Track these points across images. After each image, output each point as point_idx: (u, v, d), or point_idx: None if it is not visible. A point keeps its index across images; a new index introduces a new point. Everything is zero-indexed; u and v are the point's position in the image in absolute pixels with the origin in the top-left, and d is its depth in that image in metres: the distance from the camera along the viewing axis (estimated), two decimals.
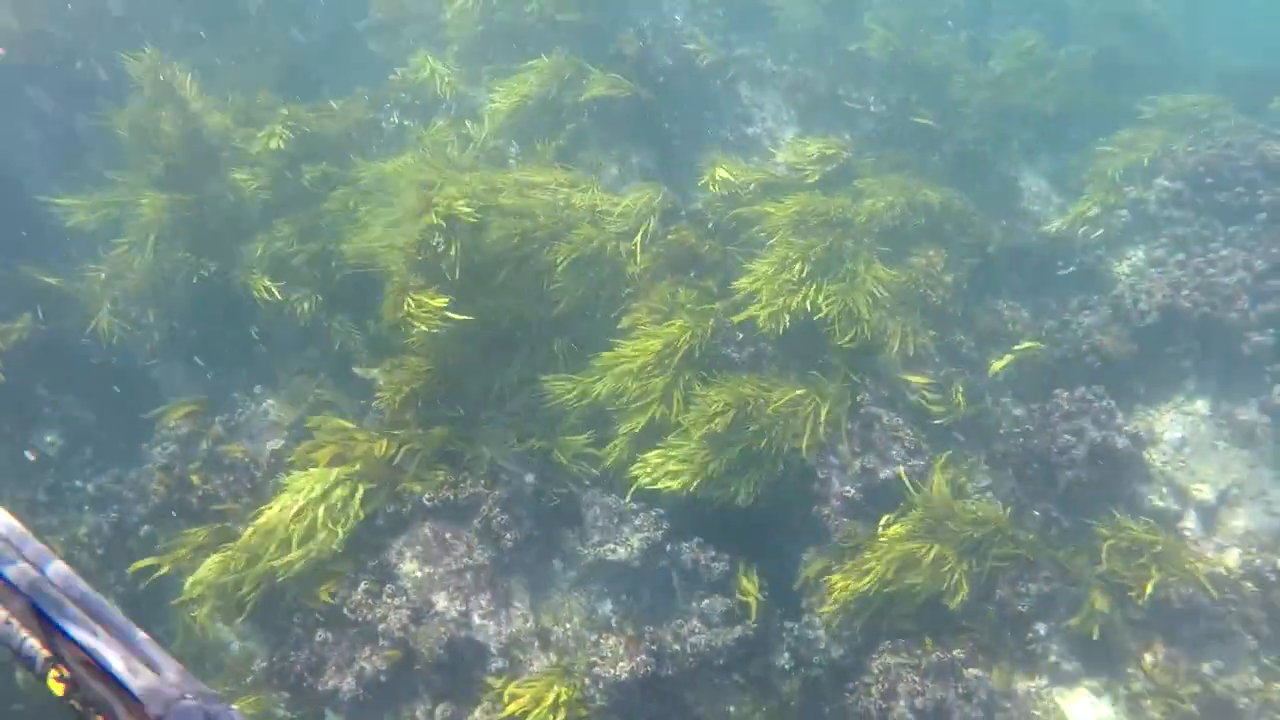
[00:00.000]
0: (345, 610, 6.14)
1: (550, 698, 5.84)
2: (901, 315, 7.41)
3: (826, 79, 9.81)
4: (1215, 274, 7.66)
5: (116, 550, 6.70)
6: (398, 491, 6.55)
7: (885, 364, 7.27)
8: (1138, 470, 7.03)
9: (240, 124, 8.65)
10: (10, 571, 1.30)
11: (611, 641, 6.32)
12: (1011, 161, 9.54)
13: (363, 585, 6.20)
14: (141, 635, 1.30)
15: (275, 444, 7.06)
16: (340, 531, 6.22)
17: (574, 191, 7.63)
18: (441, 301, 6.58)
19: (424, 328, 6.57)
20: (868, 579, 6.39)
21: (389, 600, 6.14)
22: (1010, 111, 9.87)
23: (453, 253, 6.64)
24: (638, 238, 7.40)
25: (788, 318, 7.07)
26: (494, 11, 9.83)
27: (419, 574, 6.36)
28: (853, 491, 6.67)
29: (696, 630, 6.61)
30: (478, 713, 5.97)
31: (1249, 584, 6.51)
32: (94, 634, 1.26)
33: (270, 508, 6.32)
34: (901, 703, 5.94)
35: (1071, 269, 8.49)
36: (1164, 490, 7.06)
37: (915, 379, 7.18)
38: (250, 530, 6.26)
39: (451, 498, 6.51)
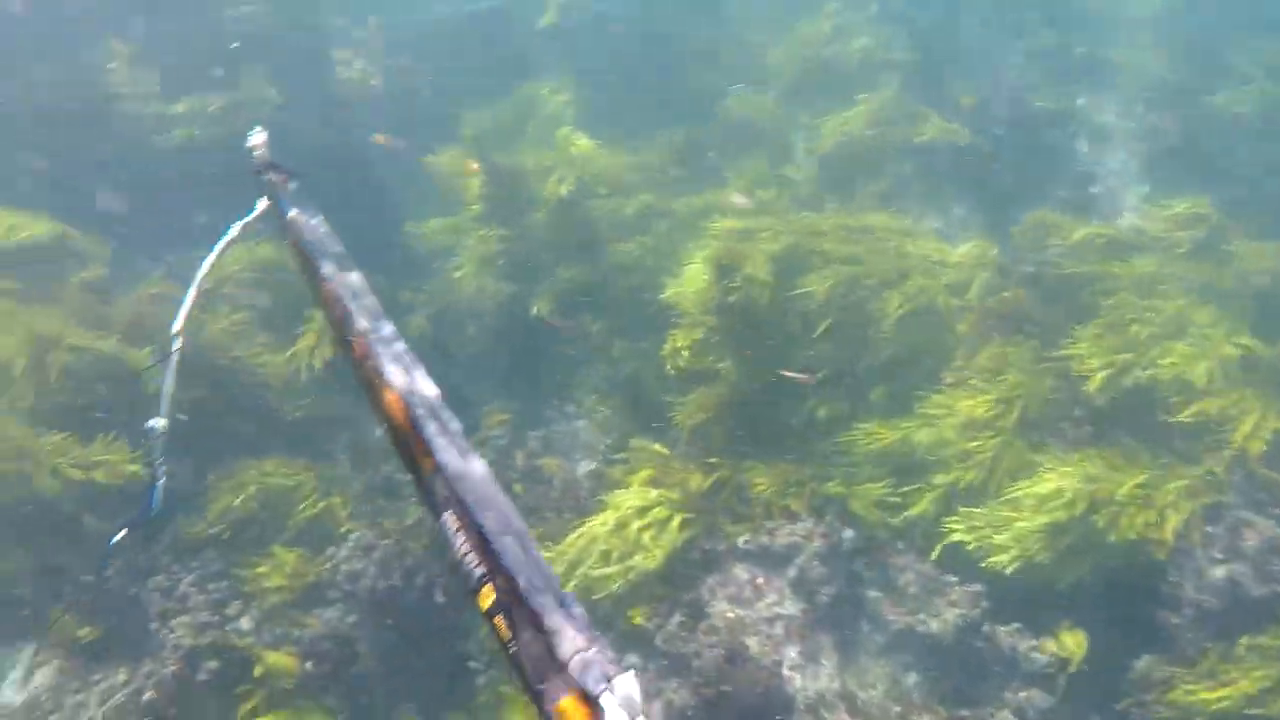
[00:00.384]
0: (658, 640, 6.14)
1: None
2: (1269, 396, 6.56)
3: (1180, 132, 8.96)
4: None
5: (439, 545, 7.07)
6: (712, 527, 6.50)
7: (1243, 455, 6.46)
8: None
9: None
10: (488, 519, 1.50)
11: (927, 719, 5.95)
12: None
13: (676, 618, 6.18)
14: (567, 593, 1.40)
15: (589, 465, 7.23)
16: (659, 554, 6.22)
17: (906, 239, 7.34)
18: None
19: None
20: (1223, 691, 5.67)
21: (703, 637, 6.08)
22: None
23: (760, 299, 6.64)
24: (972, 292, 6.99)
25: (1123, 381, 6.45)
26: (821, 46, 9.74)
27: (730, 615, 6.26)
28: (1214, 603, 5.93)
29: None
30: None
31: None
32: (519, 571, 1.41)
33: (594, 520, 6.45)
34: None
35: None
36: None
37: None
38: (575, 536, 6.39)
39: (768, 543, 6.38)
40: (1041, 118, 8.78)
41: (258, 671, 6.21)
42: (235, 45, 9.45)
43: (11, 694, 6.33)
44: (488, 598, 1.42)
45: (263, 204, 2.91)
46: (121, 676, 6.11)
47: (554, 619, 1.31)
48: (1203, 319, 6.90)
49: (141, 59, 9.76)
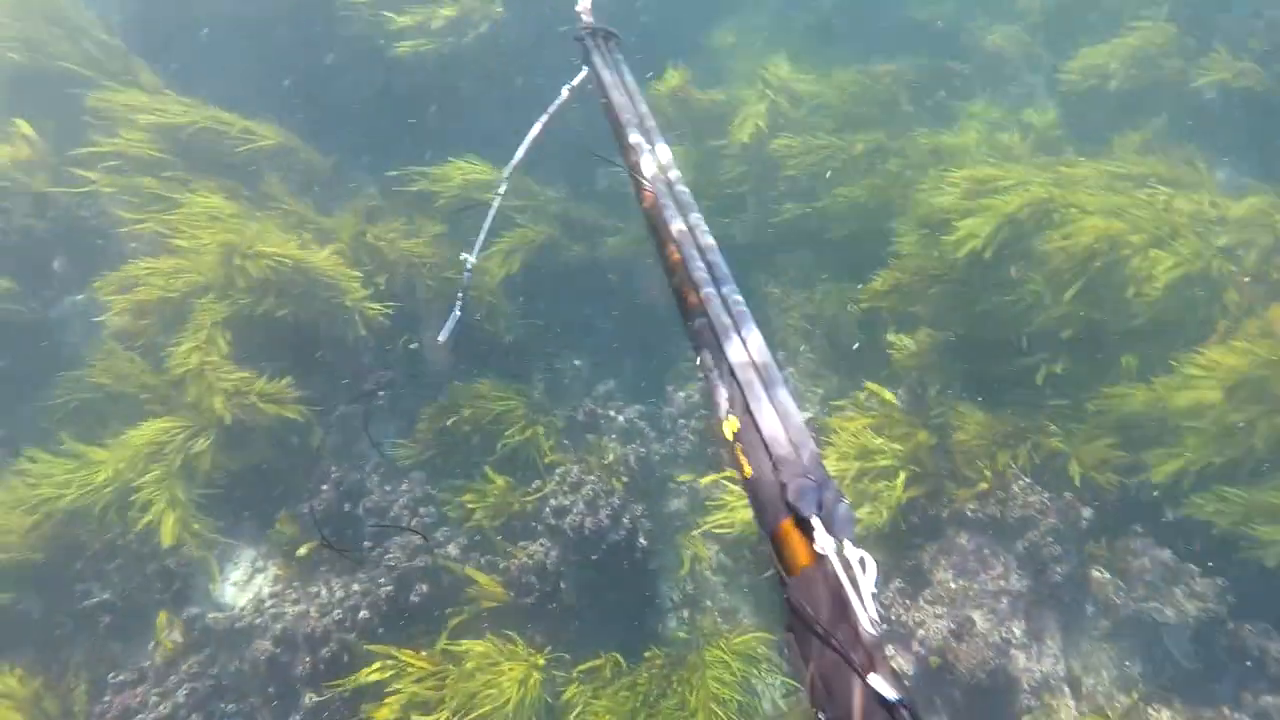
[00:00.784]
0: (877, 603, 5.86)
1: None
2: None
3: None
4: None
5: (637, 482, 6.90)
6: (936, 491, 6.13)
7: None
8: None
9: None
10: (733, 352, 1.64)
11: (1165, 715, 5.54)
12: None
13: (896, 584, 5.88)
14: (799, 420, 1.45)
15: (805, 415, 6.89)
16: (885, 512, 5.88)
17: (1177, 192, 6.58)
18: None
19: None
20: None
21: (927, 607, 5.77)
22: None
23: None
24: (1251, 257, 6.26)
25: None
26: None
27: (953, 585, 5.93)
28: None
29: None
30: None
31: None
32: (763, 402, 1.47)
33: None
34: None
35: None
36: None
37: None
38: None
39: (998, 515, 5.98)
40: None
41: (470, 593, 6.22)
42: None
43: (234, 593, 6.50)
44: (733, 426, 1.48)
45: (584, 71, 2.94)
46: (339, 592, 6.18)
47: (778, 445, 1.37)
48: None
49: None
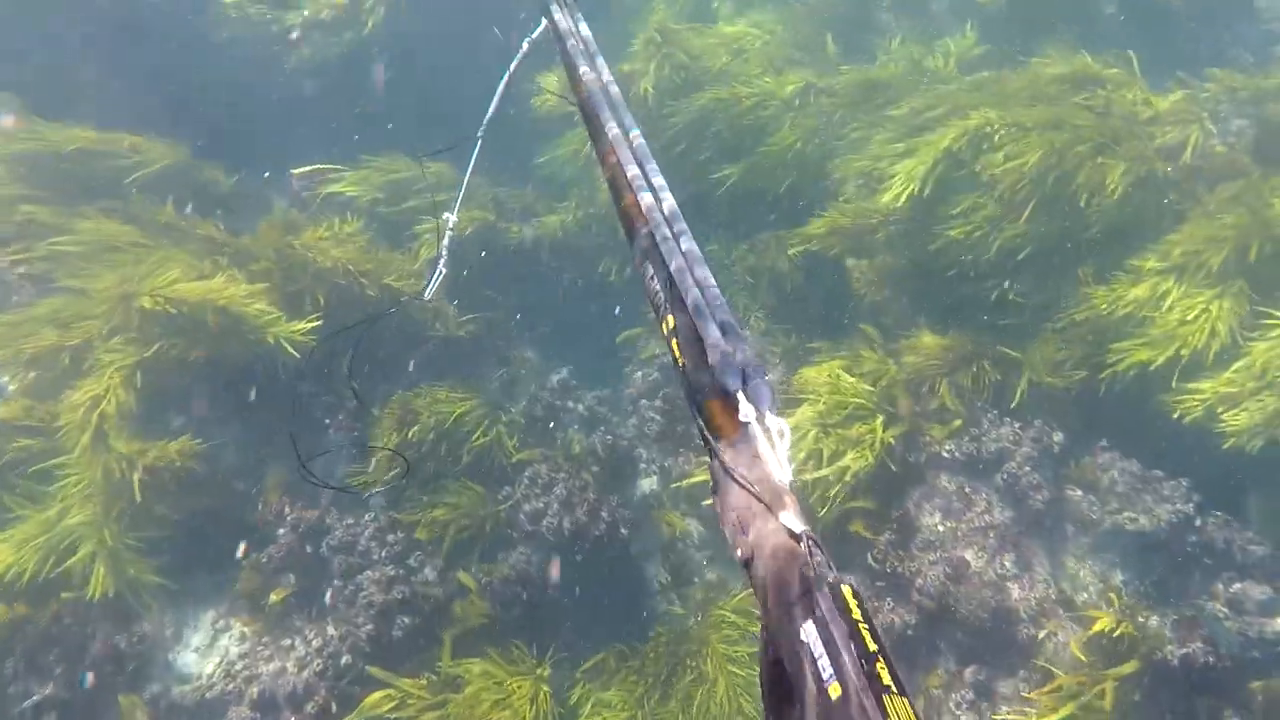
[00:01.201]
0: (871, 560, 5.76)
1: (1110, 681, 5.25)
2: None
3: None
4: None
5: (607, 471, 6.60)
6: (914, 433, 6.02)
7: None
8: None
9: None
10: (674, 259, 1.61)
11: (1154, 620, 5.63)
12: None
13: (885, 536, 5.79)
14: (727, 319, 1.49)
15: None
16: (869, 456, 5.74)
17: (1114, 91, 6.48)
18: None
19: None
20: None
21: (920, 554, 5.69)
22: None
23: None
24: (1186, 154, 6.22)
25: None
26: None
27: (941, 529, 5.87)
28: None
29: (1223, 615, 5.83)
30: (1015, 681, 5.49)
31: None
32: (690, 298, 1.51)
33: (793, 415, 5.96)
34: None
35: None
36: None
37: None
38: None
39: (974, 451, 5.93)
40: None
41: (457, 612, 5.84)
42: None
43: (198, 660, 5.94)
44: (669, 324, 1.53)
45: (544, 23, 2.80)
46: (315, 640, 5.71)
47: (711, 334, 1.41)
48: None
49: None
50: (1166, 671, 5.30)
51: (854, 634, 0.95)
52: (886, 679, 0.92)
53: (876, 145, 6.49)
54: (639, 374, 7.09)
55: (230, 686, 5.64)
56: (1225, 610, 5.85)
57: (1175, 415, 5.83)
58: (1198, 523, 6.01)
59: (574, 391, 7.02)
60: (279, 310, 6.45)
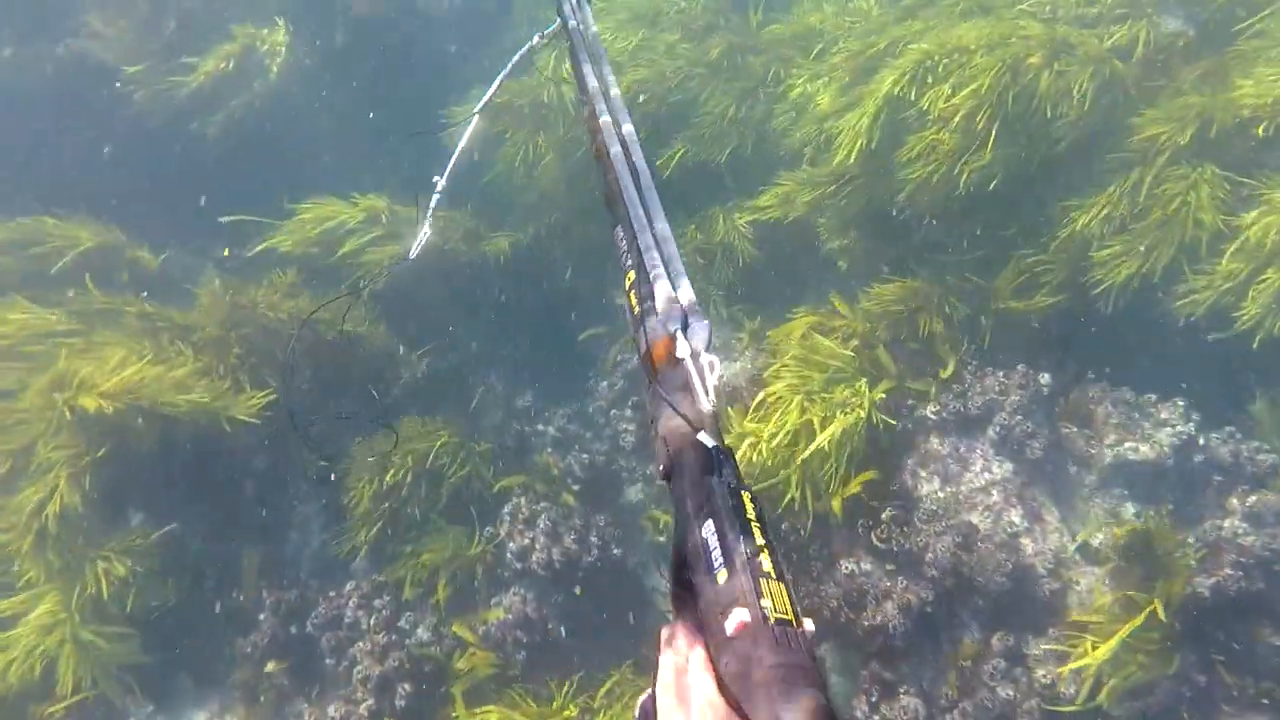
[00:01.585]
0: (875, 540, 5.41)
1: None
2: None
3: None
4: None
5: (589, 492, 6.22)
6: (899, 392, 5.65)
7: None
8: None
9: None
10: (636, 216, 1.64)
11: (1176, 553, 5.31)
12: None
13: (887, 512, 5.43)
14: (678, 269, 1.51)
15: (738, 365, 6.30)
16: (860, 412, 5.35)
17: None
18: None
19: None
20: None
21: (925, 526, 5.35)
22: None
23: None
24: (1138, 50, 5.80)
25: None
26: None
27: (941, 495, 5.53)
28: None
29: (1243, 531, 5.52)
30: (1045, 641, 5.17)
31: None
32: (647, 254, 1.56)
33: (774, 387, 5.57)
34: None
35: None
36: None
37: None
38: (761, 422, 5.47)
39: (962, 409, 5.58)
40: None
41: (458, 668, 5.47)
42: None
43: None
44: (630, 278, 1.57)
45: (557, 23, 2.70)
46: None
47: (660, 285, 1.46)
48: None
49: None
50: (1200, 604, 4.99)
51: (745, 531, 1.04)
52: (768, 567, 1.01)
53: (821, 99, 6.06)
54: (604, 384, 6.69)
55: None
56: (1245, 526, 5.55)
57: (1182, 320, 5.45)
58: (1201, 441, 5.69)
59: (543, 413, 6.62)
60: (231, 380, 6.05)
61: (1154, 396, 5.81)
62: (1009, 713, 4.94)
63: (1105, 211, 5.60)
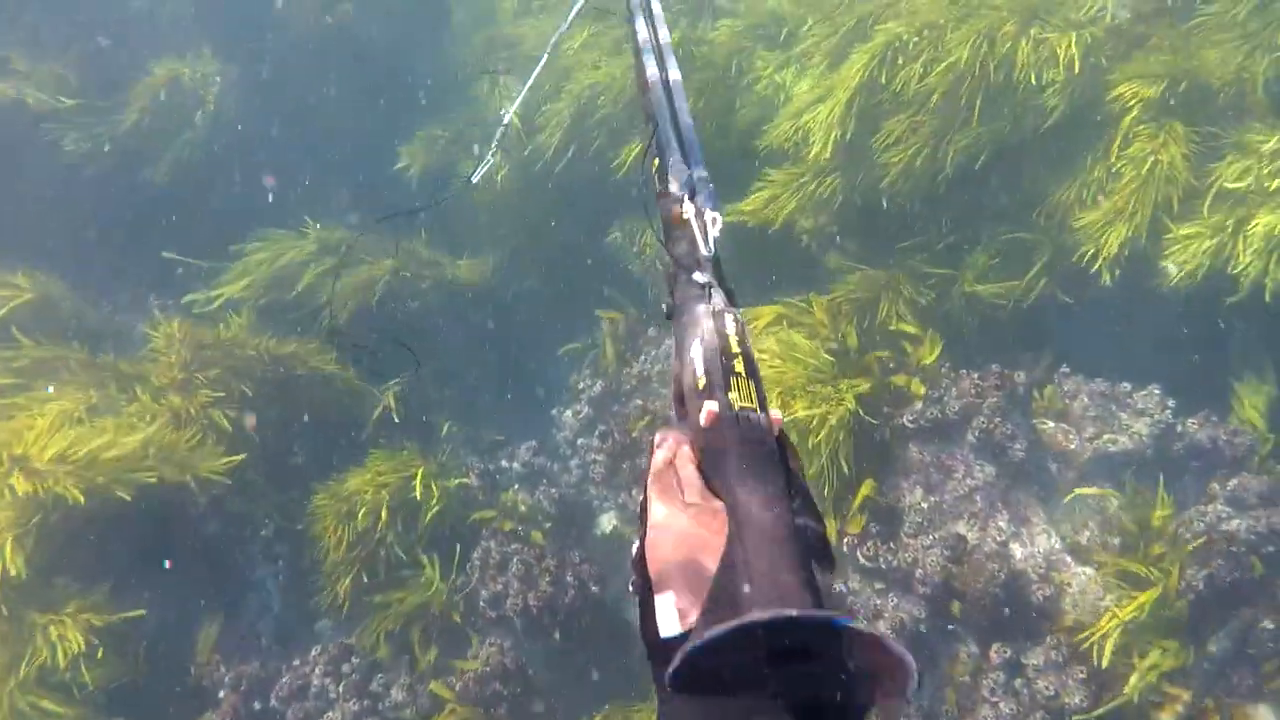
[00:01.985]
0: (861, 557, 5.12)
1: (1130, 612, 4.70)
2: None
3: None
4: None
5: (561, 527, 5.86)
6: (876, 395, 5.36)
7: None
8: None
9: None
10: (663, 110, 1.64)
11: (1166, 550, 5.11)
12: None
13: (874, 528, 5.15)
14: (694, 149, 1.56)
15: None
16: (848, 403, 5.05)
17: None
18: None
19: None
20: None
21: (912, 541, 5.07)
22: None
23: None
24: (1108, 16, 5.52)
25: None
26: None
27: (925, 505, 5.26)
28: None
29: (1227, 515, 5.34)
30: (1043, 650, 4.92)
31: None
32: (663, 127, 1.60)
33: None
34: None
35: None
36: None
37: None
38: None
39: (939, 415, 5.31)
40: None
41: None
42: None
43: None
44: (655, 165, 1.60)
45: None
46: None
47: (674, 157, 1.52)
48: None
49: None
50: (1196, 596, 4.79)
51: (725, 347, 1.14)
52: (739, 368, 1.12)
53: (799, 88, 5.75)
54: (568, 413, 6.33)
55: None
56: (1229, 510, 5.36)
57: (1174, 281, 5.22)
58: (1179, 428, 5.51)
59: (506, 447, 6.24)
60: (199, 427, 5.61)
61: (1128, 386, 5.61)
62: None
63: (1082, 179, 5.36)
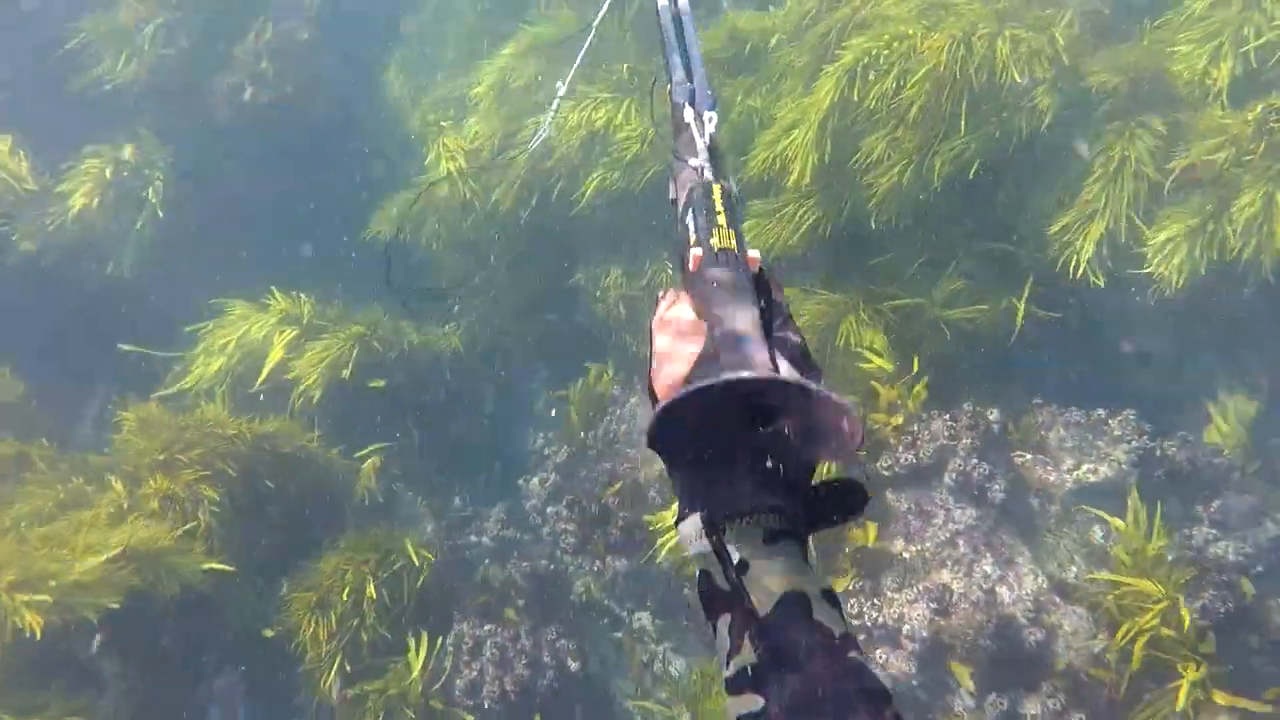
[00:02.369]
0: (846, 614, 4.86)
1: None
2: None
3: None
4: None
5: (535, 603, 5.55)
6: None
7: None
8: None
9: None
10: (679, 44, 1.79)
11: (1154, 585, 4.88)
12: None
13: (857, 584, 4.89)
14: (697, 66, 1.72)
15: None
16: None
17: None
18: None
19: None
20: None
21: (897, 595, 4.82)
22: None
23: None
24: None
25: None
26: None
27: (907, 555, 5.01)
28: None
29: (1212, 538, 5.14)
30: (1039, 697, 4.67)
31: None
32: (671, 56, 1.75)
33: None
34: None
35: None
36: None
37: None
38: None
39: (914, 459, 5.08)
40: None
41: None
42: None
43: None
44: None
45: None
46: None
47: (677, 73, 1.69)
48: None
49: None
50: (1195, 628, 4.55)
51: (711, 208, 1.29)
52: (722, 221, 1.26)
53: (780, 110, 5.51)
54: (535, 480, 6.04)
55: None
56: (1214, 533, 5.16)
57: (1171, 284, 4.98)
58: (1158, 453, 5.31)
59: (473, 522, 5.94)
60: (178, 514, 5.28)
61: (1103, 412, 5.42)
62: None
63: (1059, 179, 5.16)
